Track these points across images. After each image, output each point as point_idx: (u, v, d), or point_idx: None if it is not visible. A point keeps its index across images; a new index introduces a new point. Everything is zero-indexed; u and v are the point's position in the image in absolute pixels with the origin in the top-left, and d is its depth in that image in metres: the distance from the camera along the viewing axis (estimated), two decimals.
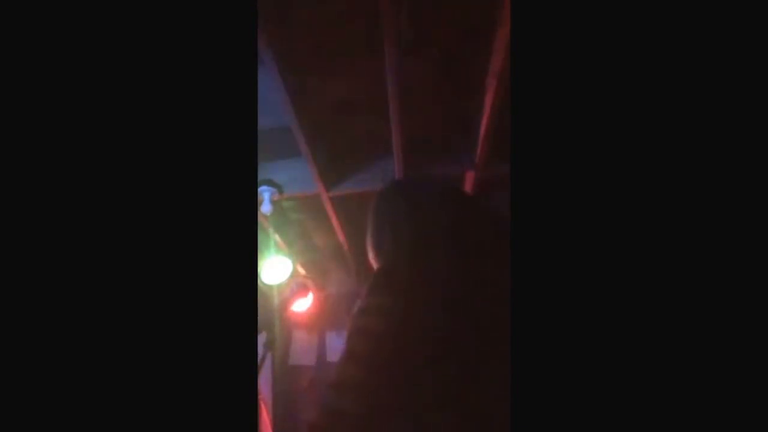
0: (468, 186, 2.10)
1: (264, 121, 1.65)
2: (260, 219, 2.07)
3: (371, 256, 0.74)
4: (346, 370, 0.55)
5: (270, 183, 1.98)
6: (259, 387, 2.53)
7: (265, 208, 1.97)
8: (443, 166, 1.97)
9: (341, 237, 2.51)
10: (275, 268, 2.41)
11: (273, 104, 1.48)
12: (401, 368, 0.52)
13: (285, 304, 1.83)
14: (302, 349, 3.25)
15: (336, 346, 3.23)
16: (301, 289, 1.82)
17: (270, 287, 2.43)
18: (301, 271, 2.87)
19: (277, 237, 2.36)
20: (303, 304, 2.69)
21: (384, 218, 0.70)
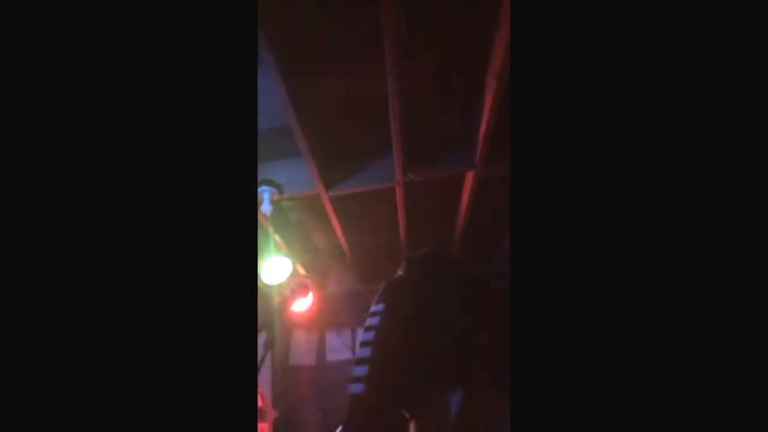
0: (468, 186, 2.10)
1: (264, 121, 1.65)
2: (260, 219, 2.07)
3: None
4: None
5: (270, 183, 1.98)
6: (262, 387, 2.53)
7: (265, 208, 1.97)
8: (443, 166, 1.97)
9: (341, 237, 2.51)
10: (275, 268, 2.40)
11: (273, 104, 1.48)
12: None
13: (285, 304, 1.83)
14: (302, 349, 3.25)
15: (336, 345, 3.23)
16: (301, 289, 1.83)
17: (270, 287, 2.43)
18: (301, 271, 2.87)
19: (276, 237, 2.36)
20: (303, 304, 2.69)
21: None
